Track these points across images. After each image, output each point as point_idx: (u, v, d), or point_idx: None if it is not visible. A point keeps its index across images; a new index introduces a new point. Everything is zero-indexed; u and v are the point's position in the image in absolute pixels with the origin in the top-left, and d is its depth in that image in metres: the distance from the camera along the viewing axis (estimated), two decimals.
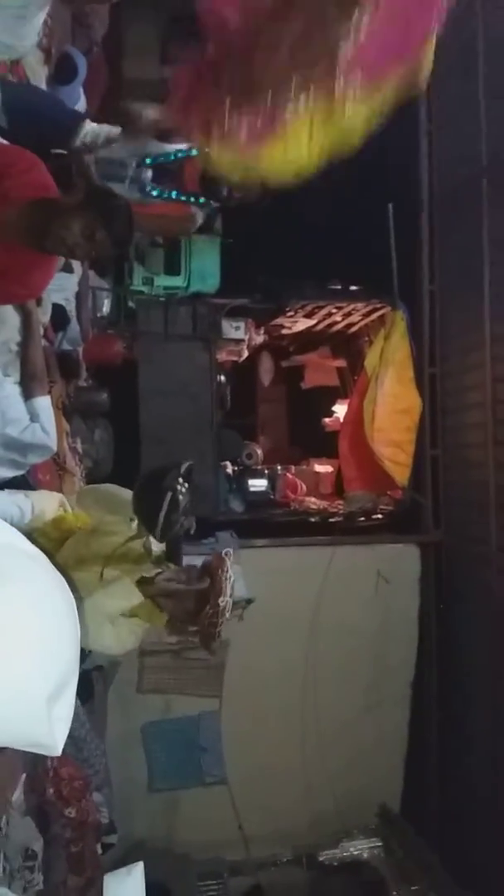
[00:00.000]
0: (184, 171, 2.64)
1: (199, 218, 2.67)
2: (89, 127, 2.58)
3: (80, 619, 1.44)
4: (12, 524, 1.84)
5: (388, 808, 5.49)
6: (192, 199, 2.63)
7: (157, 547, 2.29)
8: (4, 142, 2.23)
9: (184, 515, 2.15)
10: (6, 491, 2.37)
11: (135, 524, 2.27)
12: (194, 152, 2.63)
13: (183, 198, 2.62)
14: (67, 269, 3.44)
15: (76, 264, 3.56)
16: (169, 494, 2.08)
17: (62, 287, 3.52)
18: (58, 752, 1.07)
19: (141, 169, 2.57)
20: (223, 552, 2.29)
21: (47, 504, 2.37)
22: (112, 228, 1.99)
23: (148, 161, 2.59)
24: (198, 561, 2.40)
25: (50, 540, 2.25)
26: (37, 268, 2.16)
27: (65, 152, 2.52)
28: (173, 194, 2.60)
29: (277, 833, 5.36)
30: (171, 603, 2.21)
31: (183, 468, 2.14)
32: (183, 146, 2.67)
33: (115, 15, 4.13)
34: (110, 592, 2.18)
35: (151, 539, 2.23)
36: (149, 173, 2.59)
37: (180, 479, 2.11)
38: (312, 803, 5.42)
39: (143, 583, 2.21)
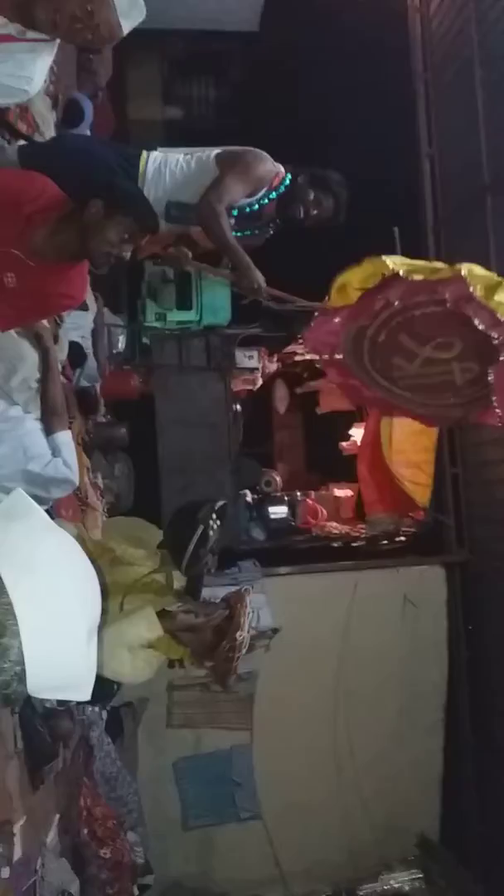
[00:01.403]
0: (263, 213, 2.69)
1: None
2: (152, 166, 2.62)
3: (98, 645, 1.48)
4: None
5: (427, 837, 5.35)
6: (267, 230, 2.70)
7: (178, 581, 2.31)
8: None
9: (210, 552, 2.18)
10: None
11: (158, 557, 2.29)
12: (273, 196, 2.69)
13: (257, 232, 2.69)
14: (82, 307, 3.49)
15: (91, 302, 3.63)
16: (200, 528, 2.15)
17: (78, 325, 3.58)
18: (87, 696, 1.10)
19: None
20: (243, 588, 2.36)
21: None
22: (143, 224, 2.12)
23: (234, 213, 2.64)
24: (219, 592, 2.42)
25: None
26: (77, 275, 2.28)
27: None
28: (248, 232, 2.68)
29: (316, 868, 5.24)
30: (190, 636, 2.25)
31: (217, 505, 2.22)
32: (263, 193, 2.69)
33: (118, 60, 4.25)
34: (132, 621, 2.20)
35: (174, 573, 2.24)
36: (231, 221, 2.63)
37: (213, 516, 2.17)
38: (349, 835, 5.29)
39: (163, 616, 2.24)
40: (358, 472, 6.31)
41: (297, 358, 6.77)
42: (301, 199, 2.63)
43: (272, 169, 2.66)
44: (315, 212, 2.65)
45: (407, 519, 6.01)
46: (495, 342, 2.49)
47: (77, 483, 2.64)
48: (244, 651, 2.20)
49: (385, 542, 5.96)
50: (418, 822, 5.43)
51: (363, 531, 6.16)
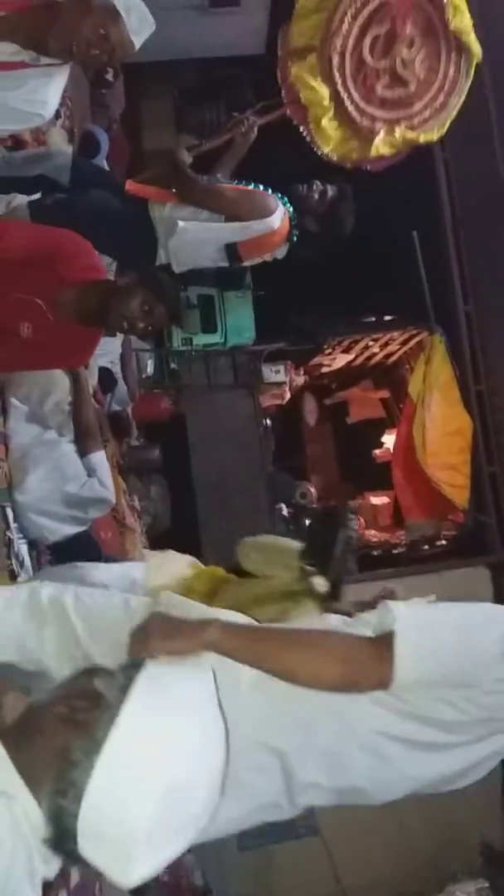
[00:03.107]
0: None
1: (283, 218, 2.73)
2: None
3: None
4: (124, 592, 1.91)
5: (491, 844, 5.22)
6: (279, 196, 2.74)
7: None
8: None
9: (352, 555, 2.22)
10: (119, 564, 2.44)
11: (292, 571, 2.31)
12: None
13: (261, 187, 2.71)
14: (109, 333, 3.57)
15: None
16: (343, 532, 2.16)
17: (107, 351, 3.66)
18: (129, 883, 1.00)
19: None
20: (390, 586, 2.37)
21: (168, 568, 2.40)
22: (167, 302, 2.13)
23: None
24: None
25: (200, 594, 2.29)
26: (89, 340, 2.33)
27: None
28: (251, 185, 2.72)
29: (377, 882, 5.15)
30: None
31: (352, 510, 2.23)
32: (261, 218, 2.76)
33: (130, 92, 4.37)
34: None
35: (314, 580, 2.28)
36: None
37: (349, 526, 2.20)
38: (410, 847, 5.19)
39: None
40: (393, 479, 6.28)
41: (325, 370, 6.80)
42: (308, 210, 2.67)
43: (271, 206, 2.68)
44: (321, 208, 2.67)
45: (447, 522, 5.95)
46: None
47: (113, 502, 2.69)
48: None
49: (426, 546, 5.91)
50: (480, 829, 5.30)
51: (403, 537, 6.12)
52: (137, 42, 2.05)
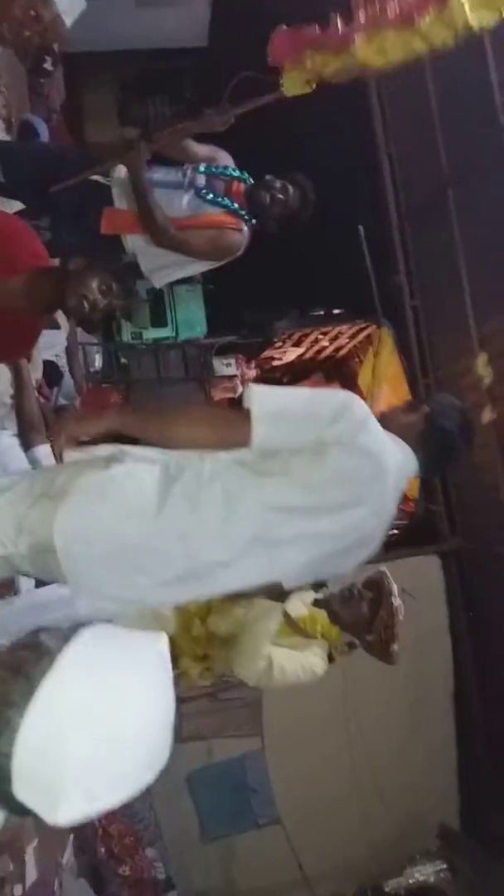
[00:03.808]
0: (231, 189, 2.71)
1: (247, 235, 2.70)
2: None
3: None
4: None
5: (448, 827, 5.34)
6: (243, 213, 2.69)
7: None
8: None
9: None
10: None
11: None
12: (241, 174, 2.73)
13: (235, 206, 2.67)
14: (54, 325, 3.53)
15: (62, 321, 3.66)
16: None
17: (51, 344, 3.61)
18: (56, 820, 1.02)
19: (195, 174, 2.66)
20: (380, 567, 2.43)
21: None
22: (122, 281, 2.17)
23: (201, 169, 2.67)
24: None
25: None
26: (28, 332, 2.31)
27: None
28: (227, 202, 2.66)
29: (339, 868, 5.22)
30: (347, 613, 2.34)
31: None
32: (232, 165, 2.75)
33: (71, 83, 4.31)
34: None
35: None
36: (202, 180, 2.66)
37: None
38: (370, 832, 5.27)
39: (318, 603, 2.36)
40: None
41: (276, 363, 6.83)
42: (267, 187, 2.67)
43: (230, 164, 2.71)
44: (282, 197, 2.67)
45: (397, 511, 6.03)
46: None
47: None
48: (401, 617, 2.28)
49: None
50: (438, 812, 5.42)
51: None
52: (69, 21, 2.04)
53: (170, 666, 1.14)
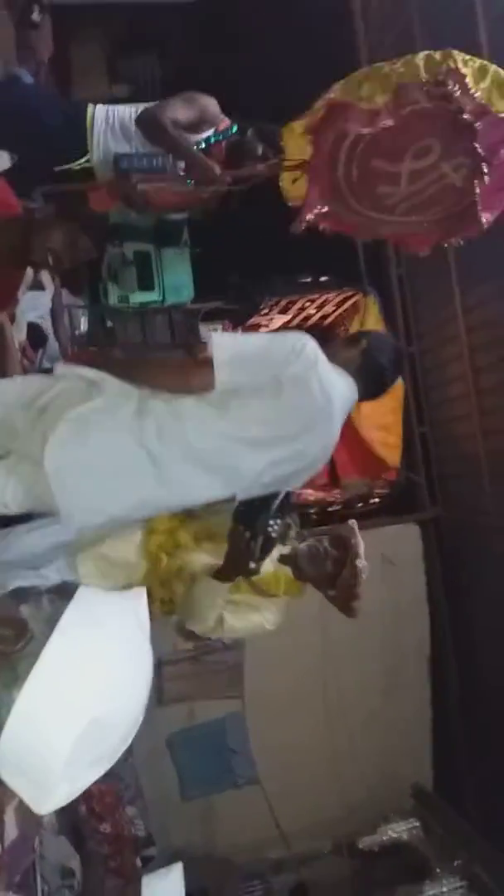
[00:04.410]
0: (210, 154, 2.68)
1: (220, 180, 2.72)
2: (99, 115, 2.62)
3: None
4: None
5: (422, 787, 5.50)
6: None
7: None
8: None
9: (280, 540, 2.22)
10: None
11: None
12: (225, 133, 2.70)
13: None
14: (38, 287, 3.48)
15: (47, 282, 3.61)
16: (261, 538, 2.11)
17: (35, 306, 3.57)
18: (42, 809, 1.03)
19: (176, 163, 2.63)
20: (350, 521, 2.40)
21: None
22: (90, 234, 2.10)
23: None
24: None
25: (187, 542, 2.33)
26: (5, 288, 2.25)
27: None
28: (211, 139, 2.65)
29: (315, 826, 5.36)
30: (311, 568, 2.33)
31: (273, 509, 2.13)
32: (210, 133, 2.71)
33: (59, 37, 4.20)
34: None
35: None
36: (181, 164, 2.66)
37: (271, 522, 2.12)
38: (347, 791, 5.42)
39: (284, 559, 2.34)
40: None
41: (262, 330, 6.79)
42: (250, 154, 2.64)
43: (217, 111, 2.68)
44: (261, 167, 2.66)
45: (379, 480, 6.10)
46: (468, 121, 2.25)
47: None
48: (365, 576, 2.28)
49: (360, 504, 6.05)
50: (412, 773, 5.57)
51: (338, 496, 6.24)
52: None
53: (148, 626, 1.16)
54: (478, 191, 2.37)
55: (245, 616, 2.33)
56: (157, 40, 5.96)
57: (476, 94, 2.24)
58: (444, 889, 4.87)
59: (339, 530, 2.35)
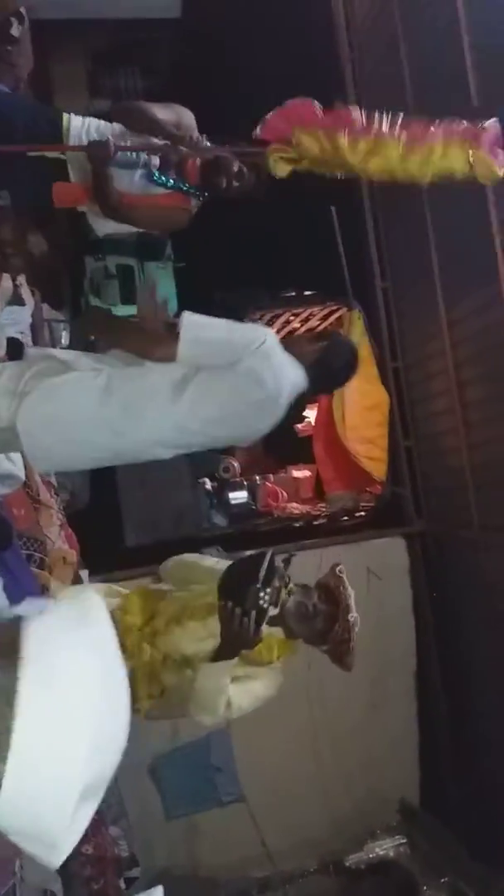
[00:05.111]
0: (186, 164, 2.68)
1: (194, 209, 2.78)
2: (76, 122, 2.62)
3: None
4: None
5: (408, 803, 5.46)
6: (194, 191, 2.71)
7: None
8: None
9: (271, 605, 2.11)
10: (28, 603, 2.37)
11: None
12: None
13: (184, 187, 2.68)
14: (19, 301, 3.45)
15: (27, 297, 3.58)
16: (253, 613, 2.02)
17: (15, 321, 3.54)
18: (57, 864, 1.01)
19: (151, 157, 2.63)
20: (336, 568, 2.33)
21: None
22: (43, 229, 2.11)
23: None
24: None
25: (138, 620, 2.25)
26: None
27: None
28: (179, 184, 2.66)
29: (301, 844, 5.31)
30: (302, 627, 2.25)
31: (261, 580, 2.04)
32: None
33: (40, 52, 4.19)
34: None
35: None
36: (156, 160, 2.65)
37: (261, 595, 2.03)
38: (332, 809, 5.37)
39: (273, 621, 2.21)
40: (315, 452, 6.37)
41: None
42: (226, 170, 2.63)
43: (193, 123, 2.68)
44: (237, 184, 2.65)
45: (365, 494, 6.09)
46: None
47: (23, 478, 2.61)
48: (357, 629, 2.22)
49: (345, 518, 6.04)
50: (399, 789, 5.53)
51: (324, 509, 6.23)
52: None
53: (113, 635, 1.12)
54: None
55: (248, 690, 2.25)
56: (139, 55, 5.98)
57: None
58: None
59: (327, 581, 2.27)
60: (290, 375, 2.14)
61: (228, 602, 2.03)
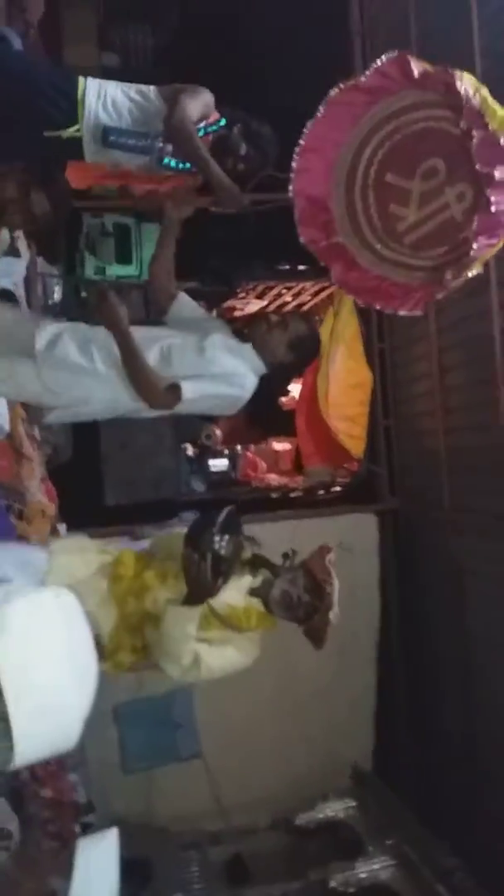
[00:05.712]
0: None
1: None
2: (91, 93, 2.58)
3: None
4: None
5: (361, 767, 5.65)
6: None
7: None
8: None
9: (233, 558, 2.17)
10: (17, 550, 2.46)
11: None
12: (213, 129, 2.70)
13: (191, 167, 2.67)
14: (14, 253, 3.47)
15: (23, 249, 3.59)
16: (209, 556, 2.10)
17: (9, 272, 3.55)
18: (74, 741, 1.30)
19: (165, 146, 2.61)
20: (327, 557, 2.32)
21: (76, 564, 2.34)
22: (47, 188, 2.09)
23: None
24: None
25: (128, 578, 2.29)
26: None
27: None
28: (183, 165, 2.65)
29: (256, 802, 5.48)
30: (283, 613, 2.30)
31: (217, 524, 2.14)
32: (213, 114, 2.70)
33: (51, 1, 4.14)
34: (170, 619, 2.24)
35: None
36: (169, 147, 2.62)
37: (216, 539, 2.11)
38: (289, 770, 5.54)
39: (254, 592, 2.28)
40: (296, 426, 6.44)
41: (237, 314, 6.82)
42: (233, 151, 2.65)
43: (213, 105, 2.68)
44: (241, 166, 2.68)
45: (342, 470, 6.20)
46: (465, 130, 2.28)
47: (7, 429, 2.66)
48: (337, 608, 2.25)
49: (322, 492, 6.14)
50: (353, 754, 5.72)
51: (301, 482, 6.33)
52: None
53: (80, 610, 1.28)
54: (475, 227, 2.37)
55: (221, 652, 2.27)
56: (152, 11, 5.89)
57: (475, 99, 2.26)
58: (376, 866, 5.04)
59: (314, 569, 2.29)
60: (252, 378, 2.51)
61: (188, 549, 2.13)
